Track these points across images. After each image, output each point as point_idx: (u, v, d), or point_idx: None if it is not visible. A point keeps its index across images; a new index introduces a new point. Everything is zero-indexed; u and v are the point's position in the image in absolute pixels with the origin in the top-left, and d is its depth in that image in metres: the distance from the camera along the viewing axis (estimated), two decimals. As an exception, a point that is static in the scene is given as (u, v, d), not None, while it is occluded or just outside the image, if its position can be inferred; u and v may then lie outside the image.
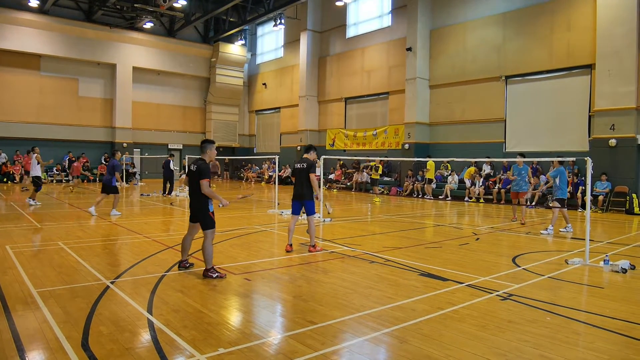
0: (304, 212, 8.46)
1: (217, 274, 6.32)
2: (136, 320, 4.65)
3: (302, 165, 8.41)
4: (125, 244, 9.14)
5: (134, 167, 30.75)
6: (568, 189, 16.81)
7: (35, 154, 15.70)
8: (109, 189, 13.46)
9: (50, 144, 28.23)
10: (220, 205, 6.64)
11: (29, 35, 27.34)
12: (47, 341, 4.07)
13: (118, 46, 30.73)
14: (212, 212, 6.52)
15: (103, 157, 30.51)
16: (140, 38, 31.51)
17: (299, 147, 30.14)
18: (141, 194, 20.86)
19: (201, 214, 6.45)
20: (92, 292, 5.56)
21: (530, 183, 13.18)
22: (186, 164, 20.06)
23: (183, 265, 6.82)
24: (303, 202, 8.35)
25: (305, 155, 8.58)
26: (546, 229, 11.10)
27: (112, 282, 6.03)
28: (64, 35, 28.51)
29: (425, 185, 21.53)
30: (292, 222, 8.51)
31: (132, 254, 8.00)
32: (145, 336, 4.27)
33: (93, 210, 13.21)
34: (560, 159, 11.66)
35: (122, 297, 5.40)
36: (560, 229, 11.45)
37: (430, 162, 20.94)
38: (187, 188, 7.07)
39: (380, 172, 23.47)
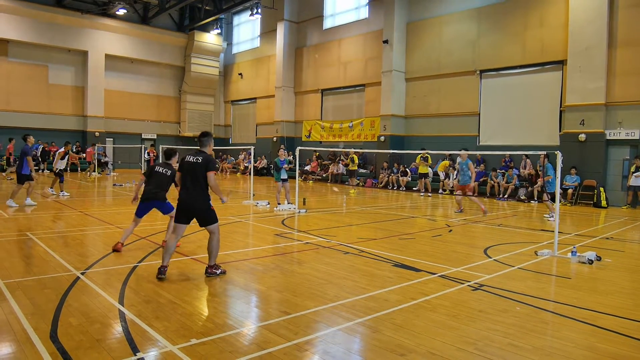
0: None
1: (220, 270, 6.02)
2: (107, 312, 4.57)
3: (168, 172, 7.53)
4: (96, 234, 8.97)
5: (105, 156, 30.14)
6: (539, 183, 17.33)
7: (63, 149, 15.63)
8: (20, 177, 12.44)
9: (19, 132, 27.37)
10: (223, 202, 6.23)
11: (-5, 19, 26.42)
12: (14, 333, 3.97)
13: (90, 33, 29.94)
14: (212, 205, 6.07)
15: (74, 146, 29.78)
16: (113, 25, 30.77)
17: (274, 138, 30.03)
18: (114, 184, 20.48)
19: (204, 210, 5.93)
20: (62, 283, 5.44)
21: (471, 176, 13.19)
22: (154, 154, 19.84)
23: (164, 272, 5.80)
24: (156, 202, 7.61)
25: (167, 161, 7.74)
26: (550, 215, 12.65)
27: (82, 273, 5.91)
28: (33, 20, 27.62)
29: (424, 180, 20.28)
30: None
31: (104, 245, 7.86)
32: (117, 327, 4.21)
33: (12, 202, 12.21)
34: (543, 152, 12.02)
35: (92, 288, 5.31)
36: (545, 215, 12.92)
37: (427, 156, 20.35)
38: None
39: (356, 162, 23.55)
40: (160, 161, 7.58)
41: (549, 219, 12.64)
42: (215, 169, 5.95)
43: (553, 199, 12.22)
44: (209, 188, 5.96)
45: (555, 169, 16.01)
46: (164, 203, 7.49)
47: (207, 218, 5.99)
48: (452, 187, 20.08)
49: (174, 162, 7.50)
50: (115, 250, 7.24)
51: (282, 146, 14.33)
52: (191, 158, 5.97)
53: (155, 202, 7.45)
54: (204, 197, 5.93)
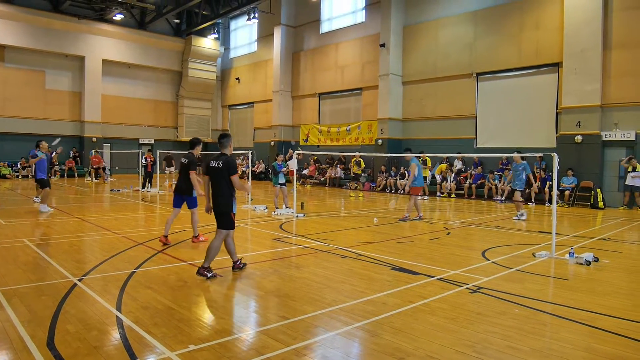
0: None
1: (211, 274, 6.07)
2: (104, 318, 4.56)
3: (185, 160, 8.40)
4: (94, 240, 8.95)
5: (102, 161, 30.05)
6: (537, 184, 17.59)
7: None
8: (40, 182, 12.75)
9: (15, 138, 27.41)
10: (248, 194, 6.75)
11: (-8, 25, 26.41)
12: (11, 341, 3.95)
13: (87, 38, 29.97)
14: (234, 214, 6.31)
15: (71, 152, 29.75)
16: (110, 30, 30.80)
17: (272, 143, 30.03)
18: (111, 190, 20.44)
19: (225, 215, 6.20)
20: (59, 290, 5.42)
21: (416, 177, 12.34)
22: (151, 158, 19.75)
23: (237, 266, 6.47)
24: (184, 196, 8.51)
25: (190, 151, 8.48)
26: (517, 216, 12.78)
27: (79, 280, 5.89)
28: (29, 26, 27.64)
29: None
30: (172, 215, 8.58)
31: (101, 251, 7.84)
32: (114, 334, 4.20)
33: (45, 207, 12.53)
34: (521, 154, 12.83)
35: (90, 295, 5.29)
36: (514, 218, 12.88)
37: (427, 159, 20.09)
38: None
39: (362, 166, 23.52)
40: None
41: (519, 218, 12.73)
42: (237, 172, 6.20)
43: (525, 198, 12.73)
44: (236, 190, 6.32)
45: (548, 170, 16.10)
46: (187, 196, 8.40)
47: (223, 222, 6.24)
48: (450, 189, 20.15)
49: (197, 151, 8.33)
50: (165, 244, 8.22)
51: (290, 151, 14.24)
52: (214, 163, 6.21)
53: (175, 194, 8.51)
54: (225, 202, 6.18)
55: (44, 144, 13.07)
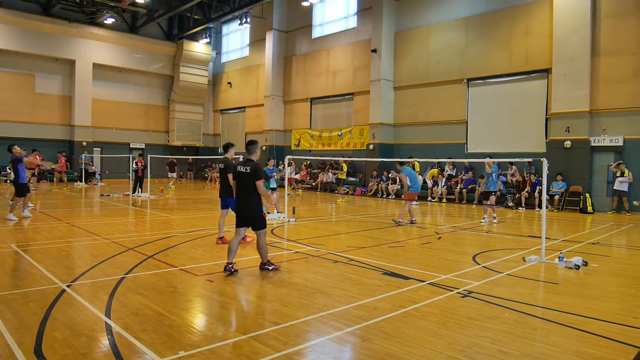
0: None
1: (272, 267, 6.68)
2: (93, 325, 4.51)
3: (222, 165, 8.91)
4: (83, 246, 8.87)
5: (92, 166, 29.87)
6: (527, 189, 17.74)
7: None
8: (19, 188, 12.11)
9: (4, 142, 27.07)
10: (269, 205, 7.09)
11: (-20, 28, 26.17)
12: (-2, 348, 3.90)
13: (77, 42, 29.77)
14: (265, 213, 6.75)
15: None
16: (101, 34, 30.64)
17: (264, 147, 29.99)
18: (101, 195, 20.29)
19: (254, 217, 6.57)
20: (47, 297, 5.36)
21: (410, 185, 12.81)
22: (141, 163, 19.61)
23: (229, 269, 6.53)
24: (226, 199, 9.03)
25: (225, 155, 8.91)
26: (494, 219, 13.09)
27: (68, 286, 5.83)
28: (19, 29, 27.39)
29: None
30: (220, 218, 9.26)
31: (91, 256, 7.77)
32: (103, 341, 4.15)
33: (11, 216, 11.77)
34: (492, 160, 13.39)
35: (78, 301, 5.23)
36: (482, 221, 13.21)
37: (416, 164, 20.49)
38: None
39: (345, 170, 23.59)
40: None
41: (493, 222, 12.83)
42: (262, 177, 6.48)
43: (496, 201, 13.26)
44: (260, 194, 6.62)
45: (538, 175, 16.31)
46: (229, 198, 8.72)
47: (258, 223, 6.60)
48: (441, 194, 20.23)
49: (230, 155, 8.75)
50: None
51: (288, 158, 14.28)
52: (241, 168, 6.56)
53: (220, 197, 9.09)
54: (254, 205, 6.55)
55: (17, 148, 12.70)
